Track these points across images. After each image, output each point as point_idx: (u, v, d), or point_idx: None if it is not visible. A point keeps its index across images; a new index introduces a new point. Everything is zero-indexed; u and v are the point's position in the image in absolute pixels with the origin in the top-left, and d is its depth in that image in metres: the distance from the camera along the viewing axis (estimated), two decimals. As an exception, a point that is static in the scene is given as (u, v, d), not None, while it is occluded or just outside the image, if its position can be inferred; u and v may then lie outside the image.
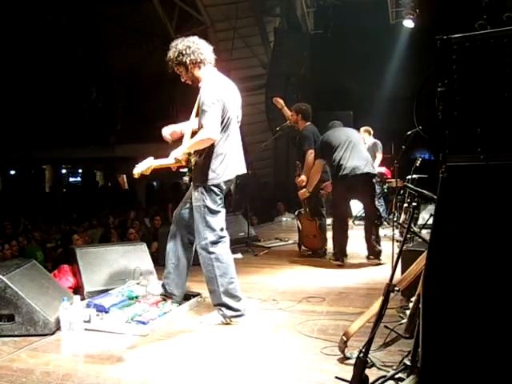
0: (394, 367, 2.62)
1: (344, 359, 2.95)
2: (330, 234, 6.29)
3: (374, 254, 5.82)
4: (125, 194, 17.53)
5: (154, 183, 20.23)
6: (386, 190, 8.84)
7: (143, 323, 3.65)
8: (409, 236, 4.88)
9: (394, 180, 7.93)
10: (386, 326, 2.89)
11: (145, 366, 3.04)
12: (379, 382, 2.45)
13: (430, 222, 2.49)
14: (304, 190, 6.11)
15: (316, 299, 4.33)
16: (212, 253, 3.70)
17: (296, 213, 6.65)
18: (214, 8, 12.65)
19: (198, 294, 4.25)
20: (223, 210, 3.81)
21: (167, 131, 4.02)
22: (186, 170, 3.88)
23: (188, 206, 3.91)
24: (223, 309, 3.70)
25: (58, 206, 15.36)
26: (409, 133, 5.99)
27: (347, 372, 2.60)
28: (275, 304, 4.23)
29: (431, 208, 6.18)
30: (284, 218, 10.81)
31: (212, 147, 3.68)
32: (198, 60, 3.73)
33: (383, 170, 9.19)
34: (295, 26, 12.84)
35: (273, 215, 11.39)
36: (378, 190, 7.78)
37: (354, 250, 6.55)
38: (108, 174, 21.07)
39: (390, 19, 11.44)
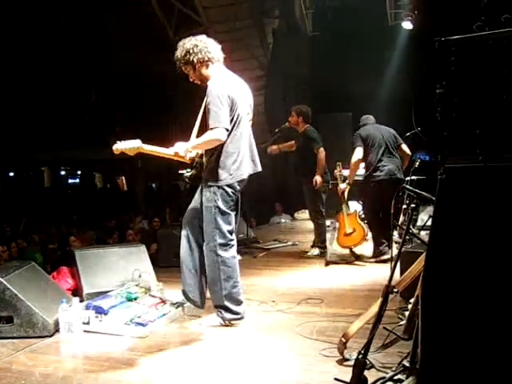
0: (393, 368, 2.62)
1: (343, 361, 2.95)
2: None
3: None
4: (124, 196, 17.55)
5: (153, 185, 20.25)
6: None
7: (142, 325, 3.65)
8: (408, 237, 4.88)
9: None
10: (384, 328, 2.89)
11: (144, 367, 3.04)
12: (378, 383, 2.45)
13: (429, 223, 2.50)
14: (343, 184, 6.08)
15: (315, 301, 4.33)
16: (219, 256, 3.63)
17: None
18: (213, 10, 12.64)
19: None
20: (233, 213, 3.73)
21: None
22: (186, 170, 3.83)
23: (198, 207, 3.77)
24: (223, 311, 3.68)
25: (57, 208, 15.35)
26: (407, 134, 6.01)
27: (346, 373, 2.60)
28: (274, 305, 4.23)
29: (430, 209, 6.18)
30: (283, 220, 10.81)
31: (223, 146, 3.59)
32: (206, 59, 3.66)
33: None
34: (294, 28, 12.83)
35: (269, 216, 11.38)
36: None
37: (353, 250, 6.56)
38: (107, 175, 21.09)
39: (388, 21, 11.45)
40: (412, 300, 2.82)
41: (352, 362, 2.56)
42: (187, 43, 3.68)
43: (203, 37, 3.76)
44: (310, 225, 6.89)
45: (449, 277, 2.00)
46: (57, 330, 3.57)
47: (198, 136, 3.70)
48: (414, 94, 2.24)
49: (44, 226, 10.38)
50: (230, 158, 3.63)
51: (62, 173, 24.39)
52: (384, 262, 5.71)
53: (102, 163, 18.52)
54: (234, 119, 3.63)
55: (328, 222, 6.64)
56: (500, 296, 1.92)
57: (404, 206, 6.31)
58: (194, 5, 12.61)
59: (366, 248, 6.18)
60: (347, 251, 6.19)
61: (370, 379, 2.46)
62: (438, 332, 2.02)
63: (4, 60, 14.54)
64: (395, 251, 2.80)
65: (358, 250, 6.16)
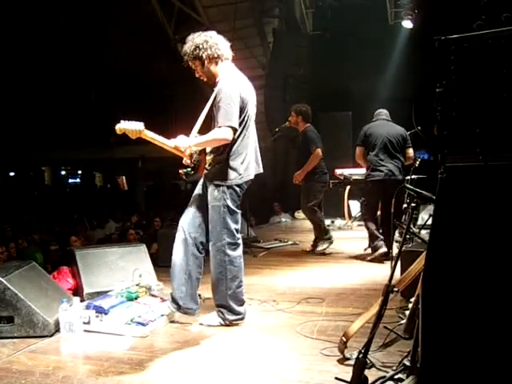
0: (394, 368, 2.62)
1: (343, 360, 2.95)
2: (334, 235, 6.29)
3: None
4: (124, 195, 17.55)
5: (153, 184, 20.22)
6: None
7: (143, 324, 3.64)
8: (408, 236, 4.88)
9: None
10: (385, 327, 2.89)
11: (144, 367, 3.03)
12: (379, 382, 2.45)
13: (430, 222, 2.50)
14: None
15: (315, 300, 4.33)
16: (228, 255, 3.59)
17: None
18: (213, 9, 12.66)
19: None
20: (240, 212, 3.70)
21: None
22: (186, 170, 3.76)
23: (201, 206, 3.70)
24: (225, 311, 3.67)
25: (57, 208, 15.36)
26: (408, 133, 6.00)
27: (347, 373, 2.61)
28: (275, 305, 4.23)
29: (430, 208, 6.18)
30: (283, 219, 10.81)
31: (233, 145, 3.55)
32: (215, 55, 3.58)
33: None
34: (294, 27, 12.84)
35: (269, 216, 11.39)
36: None
37: (353, 250, 6.57)
38: (107, 175, 21.10)
39: (388, 20, 11.45)
40: (412, 299, 2.82)
41: (352, 362, 2.56)
42: (197, 38, 3.59)
43: (213, 33, 3.67)
44: (310, 224, 6.89)
45: (449, 276, 2.00)
46: (57, 330, 3.57)
47: (200, 133, 3.63)
48: (414, 93, 2.24)
49: (44, 226, 10.39)
50: (239, 158, 3.59)
51: (63, 172, 24.42)
52: (381, 257, 5.71)
53: (103, 163, 18.53)
54: (245, 119, 3.60)
55: (328, 222, 6.64)
56: (500, 295, 1.92)
57: (404, 205, 6.31)
58: (194, 4, 12.63)
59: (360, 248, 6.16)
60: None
61: (371, 378, 2.46)
62: (439, 331, 2.02)
63: (4, 60, 14.55)
64: (396, 250, 2.80)
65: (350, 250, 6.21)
